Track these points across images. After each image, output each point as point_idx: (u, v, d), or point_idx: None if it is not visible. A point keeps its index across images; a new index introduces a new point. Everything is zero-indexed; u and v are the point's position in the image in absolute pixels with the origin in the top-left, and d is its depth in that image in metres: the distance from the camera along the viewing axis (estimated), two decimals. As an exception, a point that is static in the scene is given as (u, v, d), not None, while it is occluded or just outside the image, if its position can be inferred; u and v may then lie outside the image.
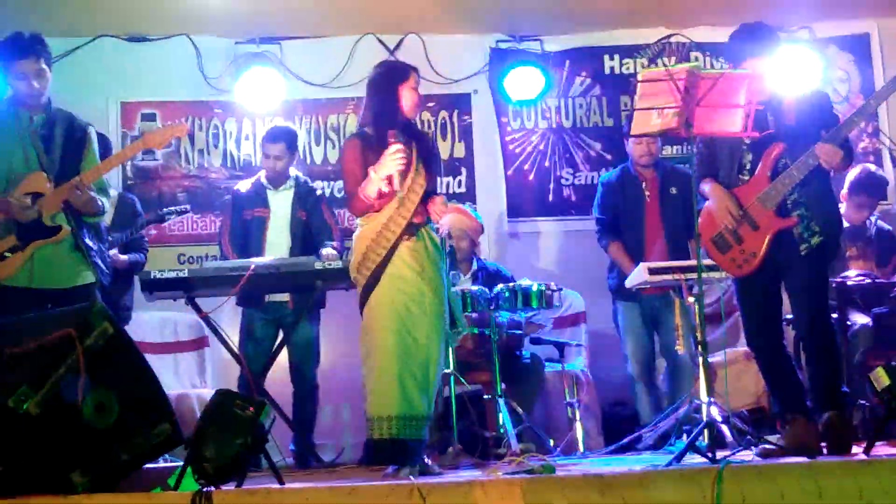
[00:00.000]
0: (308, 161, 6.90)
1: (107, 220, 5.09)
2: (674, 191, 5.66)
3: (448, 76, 6.96)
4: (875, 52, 7.05)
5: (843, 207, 5.44)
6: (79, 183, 4.39)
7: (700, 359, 4.19)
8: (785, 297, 4.34)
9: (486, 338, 5.28)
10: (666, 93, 3.97)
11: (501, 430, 5.03)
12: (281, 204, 5.65)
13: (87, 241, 4.52)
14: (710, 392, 4.31)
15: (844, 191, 5.65)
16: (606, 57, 7.11)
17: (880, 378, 3.85)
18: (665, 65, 6.52)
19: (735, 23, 4.42)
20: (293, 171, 5.77)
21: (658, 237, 5.60)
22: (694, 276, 4.45)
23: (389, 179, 4.25)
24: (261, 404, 3.31)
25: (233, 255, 5.57)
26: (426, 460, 4.27)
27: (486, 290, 5.32)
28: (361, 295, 4.31)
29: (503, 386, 5.17)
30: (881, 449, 4.03)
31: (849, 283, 5.36)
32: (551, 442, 5.23)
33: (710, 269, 4.56)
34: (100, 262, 4.57)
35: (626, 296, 5.55)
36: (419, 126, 6.06)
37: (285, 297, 5.49)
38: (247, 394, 4.55)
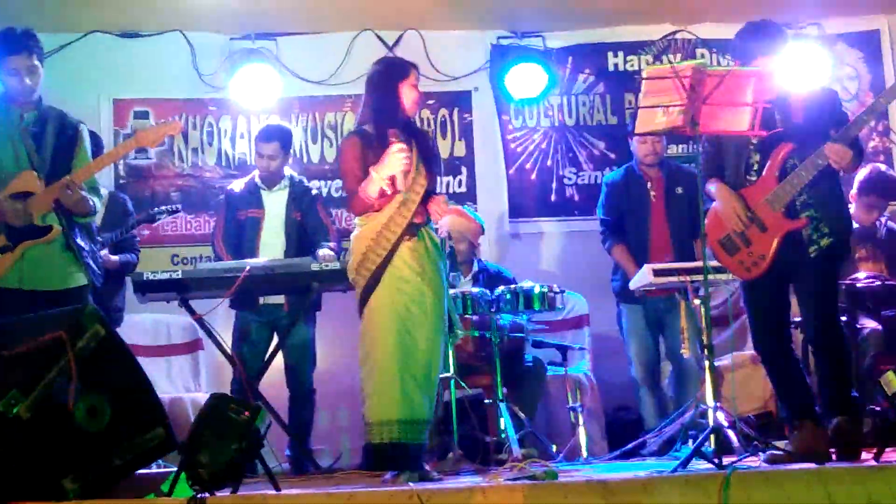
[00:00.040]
0: (305, 160, 6.84)
1: (97, 219, 5.03)
2: (679, 191, 5.63)
3: (448, 73, 6.90)
4: (885, 48, 7.00)
5: (852, 208, 5.39)
6: (70, 182, 4.34)
7: (706, 362, 4.16)
8: (793, 299, 4.29)
9: (487, 341, 5.24)
10: (671, 90, 3.93)
11: (503, 436, 4.99)
12: (275, 204, 5.60)
13: (79, 240, 4.47)
14: (717, 396, 4.27)
15: (854, 191, 5.58)
16: (610, 54, 7.05)
17: (890, 383, 3.82)
18: (670, 62, 6.44)
19: (742, 19, 4.40)
20: (288, 171, 5.72)
21: (664, 241, 5.55)
22: (700, 277, 4.41)
23: (392, 180, 4.20)
24: (256, 408, 3.31)
25: (227, 256, 5.53)
26: (425, 466, 4.22)
27: (488, 292, 5.29)
28: (361, 296, 4.26)
29: (504, 390, 5.15)
30: (891, 455, 3.97)
31: (858, 285, 5.33)
32: (554, 447, 5.20)
33: (717, 270, 4.53)
34: (91, 262, 4.52)
35: (630, 298, 5.52)
36: (418, 124, 5.99)
37: (280, 299, 5.45)
38: (242, 398, 4.51)
